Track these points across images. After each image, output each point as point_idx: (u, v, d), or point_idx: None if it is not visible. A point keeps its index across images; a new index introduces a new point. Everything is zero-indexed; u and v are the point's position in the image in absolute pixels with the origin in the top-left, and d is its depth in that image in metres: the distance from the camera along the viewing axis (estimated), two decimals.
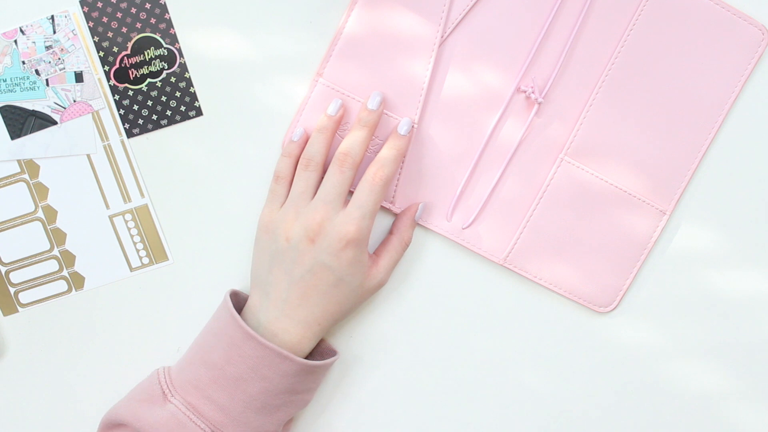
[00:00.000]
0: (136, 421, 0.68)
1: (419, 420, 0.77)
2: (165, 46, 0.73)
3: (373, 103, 0.71)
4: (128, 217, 0.75)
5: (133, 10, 0.72)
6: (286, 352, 0.68)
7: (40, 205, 0.74)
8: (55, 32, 0.72)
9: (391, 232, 0.74)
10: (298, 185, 0.70)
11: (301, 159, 0.71)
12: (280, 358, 0.68)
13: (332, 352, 0.73)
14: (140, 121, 0.74)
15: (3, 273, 0.75)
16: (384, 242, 0.74)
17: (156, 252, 0.76)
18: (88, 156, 0.74)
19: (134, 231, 0.75)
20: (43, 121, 0.73)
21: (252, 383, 0.68)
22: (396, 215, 0.75)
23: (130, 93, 0.74)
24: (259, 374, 0.68)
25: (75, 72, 0.73)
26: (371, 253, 0.73)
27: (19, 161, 0.74)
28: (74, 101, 0.73)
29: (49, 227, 0.75)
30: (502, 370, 0.77)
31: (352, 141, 0.70)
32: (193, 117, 0.74)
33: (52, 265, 0.75)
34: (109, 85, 0.73)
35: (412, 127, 0.72)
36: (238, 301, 0.73)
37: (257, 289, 0.71)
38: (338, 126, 0.72)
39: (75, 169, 0.74)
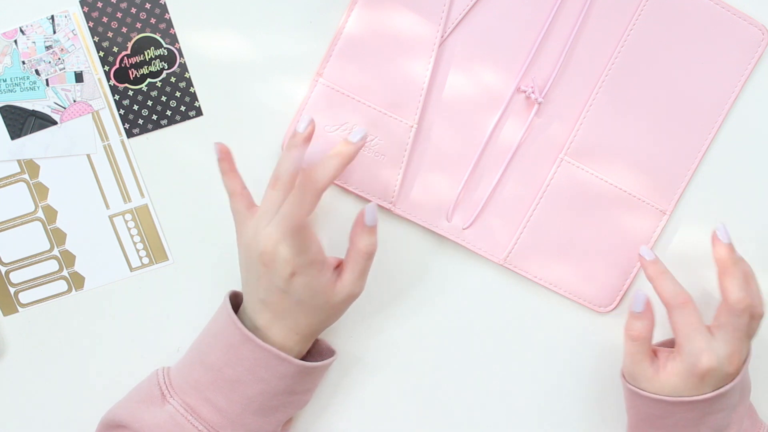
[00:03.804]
0: (134, 422, 0.68)
1: (419, 420, 0.77)
2: (165, 46, 0.73)
3: (354, 136, 0.67)
4: (128, 217, 0.75)
5: (133, 10, 0.72)
6: (283, 354, 0.68)
7: (40, 205, 0.74)
8: (55, 32, 0.72)
9: (349, 242, 0.69)
10: (263, 204, 0.68)
11: (270, 177, 0.68)
12: (278, 360, 0.68)
13: (331, 352, 0.73)
14: (140, 121, 0.74)
15: (3, 273, 0.75)
16: (346, 254, 0.70)
17: (156, 252, 0.76)
18: (88, 156, 0.74)
19: (134, 231, 0.75)
20: (43, 121, 0.73)
21: (250, 385, 0.68)
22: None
23: (130, 93, 0.74)
24: (256, 376, 0.68)
25: (75, 72, 0.73)
26: (336, 266, 0.70)
27: (19, 161, 0.74)
28: (74, 101, 0.73)
29: (49, 227, 0.75)
30: (501, 369, 0.77)
31: (322, 170, 0.65)
32: (193, 117, 0.74)
33: (52, 265, 0.75)
34: (109, 85, 0.73)
35: (364, 137, 0.68)
36: (238, 302, 0.73)
37: (249, 295, 0.70)
38: (308, 143, 0.69)
39: (75, 169, 0.74)
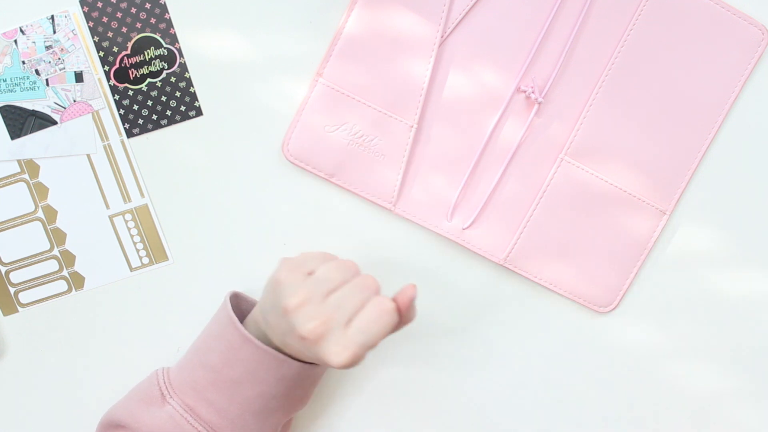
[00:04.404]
0: (134, 422, 0.68)
1: (419, 419, 0.77)
2: (165, 46, 0.73)
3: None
4: (128, 217, 0.75)
5: (133, 10, 0.72)
6: (282, 356, 0.67)
7: (40, 205, 0.74)
8: (55, 32, 0.72)
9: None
10: (321, 272, 0.64)
11: (328, 257, 0.66)
12: (278, 362, 0.68)
13: None
14: (140, 121, 0.74)
15: (3, 273, 0.75)
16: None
17: (156, 252, 0.76)
18: (88, 156, 0.74)
19: (134, 231, 0.75)
20: (43, 121, 0.73)
21: (249, 386, 0.68)
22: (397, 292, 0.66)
23: (130, 93, 0.74)
24: (256, 377, 0.68)
25: (75, 72, 0.73)
26: None
27: (19, 161, 0.74)
28: (74, 101, 0.73)
29: (49, 227, 0.75)
30: (502, 369, 0.77)
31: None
32: (193, 117, 0.74)
33: (52, 265, 0.75)
34: (109, 85, 0.73)
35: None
36: (239, 303, 0.73)
37: (260, 313, 0.68)
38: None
39: (75, 169, 0.74)
